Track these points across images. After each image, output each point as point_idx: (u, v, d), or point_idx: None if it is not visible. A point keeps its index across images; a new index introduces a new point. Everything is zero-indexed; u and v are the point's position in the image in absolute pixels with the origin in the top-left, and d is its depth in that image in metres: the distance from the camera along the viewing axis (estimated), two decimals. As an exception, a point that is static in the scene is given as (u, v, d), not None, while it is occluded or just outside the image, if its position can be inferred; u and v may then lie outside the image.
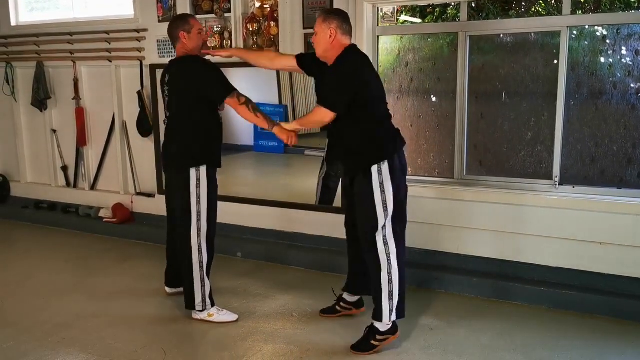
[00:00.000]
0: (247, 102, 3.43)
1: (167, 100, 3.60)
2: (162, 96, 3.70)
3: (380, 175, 3.12)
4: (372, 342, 3.20)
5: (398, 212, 3.18)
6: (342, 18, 3.19)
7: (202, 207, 3.50)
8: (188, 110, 3.49)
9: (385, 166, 3.12)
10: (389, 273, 3.16)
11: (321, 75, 3.33)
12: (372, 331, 3.21)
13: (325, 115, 3.15)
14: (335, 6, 4.22)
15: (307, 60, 3.45)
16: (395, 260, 3.16)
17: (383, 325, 3.19)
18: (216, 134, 3.61)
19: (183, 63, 3.52)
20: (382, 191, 3.12)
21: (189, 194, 3.47)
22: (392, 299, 3.16)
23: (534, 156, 3.99)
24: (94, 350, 3.28)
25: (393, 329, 3.22)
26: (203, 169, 3.48)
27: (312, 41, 3.29)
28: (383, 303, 3.16)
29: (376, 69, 4.29)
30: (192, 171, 3.46)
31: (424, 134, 4.34)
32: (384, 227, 3.14)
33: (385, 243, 3.15)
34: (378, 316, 3.19)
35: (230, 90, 3.44)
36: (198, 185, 3.47)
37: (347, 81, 3.13)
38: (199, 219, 3.50)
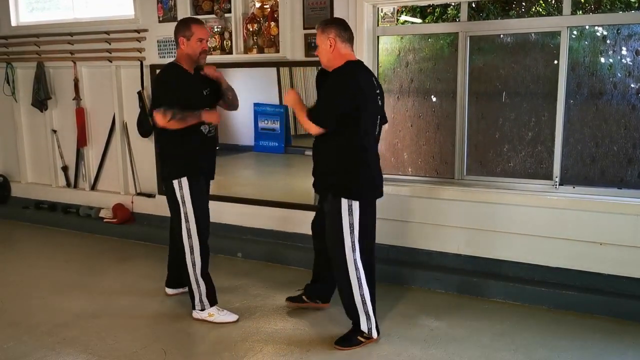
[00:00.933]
0: (173, 116, 3.37)
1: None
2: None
3: (350, 214, 3.17)
4: (358, 339, 3.30)
5: (364, 239, 3.25)
6: (340, 26, 3.19)
7: (187, 209, 3.54)
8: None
9: (356, 205, 3.17)
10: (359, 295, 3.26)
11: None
12: (357, 330, 3.31)
13: (313, 129, 3.14)
14: (336, 7, 4.23)
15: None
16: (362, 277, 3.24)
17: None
18: (195, 145, 3.55)
19: (161, 69, 3.59)
20: (351, 223, 3.18)
21: (175, 198, 3.55)
22: (368, 319, 3.29)
23: (534, 156, 3.99)
24: (94, 351, 3.28)
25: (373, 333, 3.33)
26: (184, 178, 3.53)
27: (316, 54, 3.30)
28: (362, 322, 3.28)
29: (377, 69, 4.31)
30: (175, 181, 3.53)
31: (424, 134, 4.34)
32: (353, 248, 3.21)
33: (355, 264, 3.22)
34: (356, 326, 3.30)
35: (156, 106, 3.42)
36: (181, 188, 3.53)
37: (337, 98, 3.10)
38: (187, 220, 3.55)
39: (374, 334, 3.30)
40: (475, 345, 3.29)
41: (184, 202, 3.53)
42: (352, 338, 3.29)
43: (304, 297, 3.80)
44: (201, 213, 3.61)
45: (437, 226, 4.16)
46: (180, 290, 4.01)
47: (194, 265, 3.58)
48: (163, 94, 3.48)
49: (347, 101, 3.07)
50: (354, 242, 3.19)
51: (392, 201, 4.22)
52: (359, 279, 3.22)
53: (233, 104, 3.81)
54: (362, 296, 3.24)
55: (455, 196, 4.06)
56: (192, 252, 3.57)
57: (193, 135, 3.51)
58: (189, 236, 3.56)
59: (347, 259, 3.20)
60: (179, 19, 4.77)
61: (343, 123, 3.10)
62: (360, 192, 3.20)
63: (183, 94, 3.46)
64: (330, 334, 3.43)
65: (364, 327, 3.28)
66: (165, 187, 3.63)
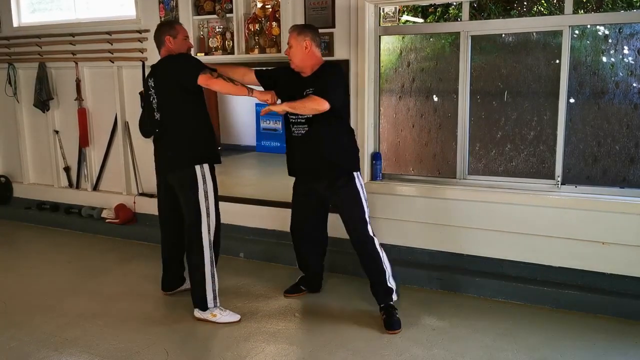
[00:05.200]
0: (220, 75, 3.48)
1: (157, 104, 3.64)
2: (147, 102, 3.75)
3: (362, 186, 3.61)
4: (398, 316, 3.54)
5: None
6: (314, 32, 3.57)
7: (210, 202, 3.56)
8: (179, 108, 3.54)
9: (360, 176, 3.62)
10: (385, 259, 3.60)
11: (283, 84, 3.63)
12: (392, 307, 3.56)
13: (322, 104, 3.36)
14: (337, 7, 4.24)
15: (264, 75, 3.73)
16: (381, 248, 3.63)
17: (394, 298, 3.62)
18: (210, 130, 3.69)
19: (163, 60, 3.62)
20: (363, 193, 3.60)
21: (197, 191, 3.52)
22: (393, 277, 3.62)
23: (536, 156, 3.99)
24: (96, 351, 3.29)
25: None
26: (206, 166, 3.56)
27: (286, 54, 3.59)
28: (390, 283, 3.58)
29: (378, 69, 4.32)
30: (197, 168, 3.52)
31: (426, 134, 4.34)
32: (370, 222, 3.60)
33: (374, 235, 3.60)
34: (389, 295, 3.58)
35: (200, 68, 3.46)
36: (204, 182, 3.54)
37: (341, 82, 3.59)
38: (208, 215, 3.56)
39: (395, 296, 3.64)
40: (477, 345, 3.29)
41: (207, 197, 3.53)
42: (394, 320, 3.51)
43: (301, 286, 3.99)
44: (218, 208, 3.67)
45: (438, 226, 4.15)
46: (177, 289, 4.03)
47: (211, 260, 3.58)
48: (195, 60, 3.55)
49: (344, 86, 3.60)
50: (369, 215, 3.60)
51: (393, 201, 4.23)
52: (380, 246, 3.60)
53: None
54: (387, 264, 3.60)
55: (457, 196, 4.06)
56: (210, 248, 3.58)
57: (206, 122, 3.63)
58: (209, 231, 3.57)
59: (370, 232, 3.58)
60: (180, 19, 4.81)
61: (342, 107, 3.55)
62: (357, 164, 3.67)
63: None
64: (333, 334, 3.44)
65: (391, 283, 3.60)
66: (184, 178, 3.55)
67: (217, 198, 3.66)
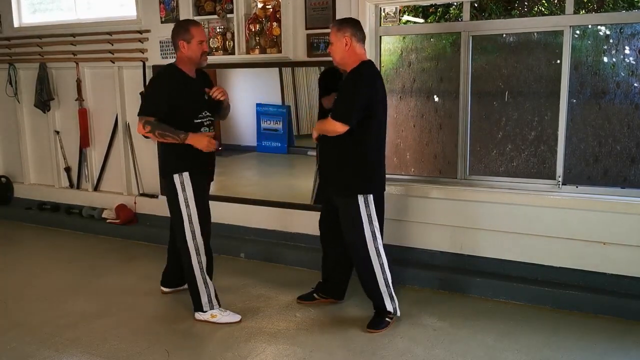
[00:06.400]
0: (153, 129, 3.39)
1: None
2: None
3: (367, 207, 3.39)
4: (388, 320, 3.52)
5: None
6: (356, 26, 3.35)
7: (191, 209, 3.54)
8: (163, 118, 3.46)
9: (371, 198, 3.39)
10: (383, 281, 3.48)
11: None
12: (386, 312, 3.51)
13: (337, 127, 3.26)
14: (338, 7, 4.24)
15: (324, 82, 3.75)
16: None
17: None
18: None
19: (157, 71, 3.62)
20: (370, 221, 3.40)
21: (177, 198, 3.53)
22: (390, 299, 3.51)
23: (537, 156, 3.99)
24: (97, 352, 3.29)
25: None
26: (186, 174, 3.52)
27: (328, 51, 3.44)
28: (388, 307, 3.50)
29: (380, 74, 4.30)
30: (176, 177, 3.51)
31: (427, 134, 4.34)
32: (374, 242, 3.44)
33: (379, 256, 3.46)
34: (387, 312, 3.50)
35: (141, 112, 3.43)
36: (183, 189, 3.52)
37: (357, 96, 3.25)
38: (190, 222, 3.54)
39: (398, 312, 3.54)
40: (478, 345, 3.29)
41: (187, 205, 3.52)
42: (381, 321, 3.49)
43: (315, 294, 3.86)
44: (205, 213, 3.61)
45: (439, 226, 4.15)
46: (177, 288, 4.04)
47: (200, 266, 3.58)
48: (150, 95, 3.51)
49: (365, 99, 3.26)
50: (374, 231, 3.42)
51: (395, 201, 4.22)
52: (382, 265, 3.44)
53: (224, 116, 3.88)
54: (386, 280, 3.46)
55: (457, 196, 4.06)
56: (198, 253, 3.57)
57: (190, 129, 3.51)
58: (194, 237, 3.56)
59: (369, 253, 3.42)
60: (181, 19, 4.80)
61: (360, 122, 3.28)
62: (374, 187, 3.46)
63: (178, 95, 3.44)
64: (333, 335, 3.43)
65: (389, 308, 3.49)
66: (167, 187, 3.60)
67: (204, 205, 3.61)
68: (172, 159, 3.55)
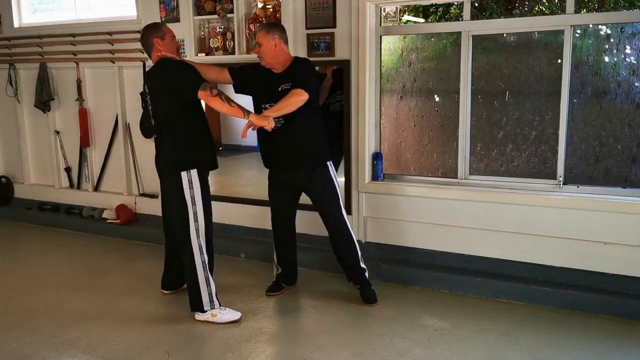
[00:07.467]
0: (220, 93, 3.47)
1: (152, 109, 3.67)
2: (146, 104, 3.79)
3: (332, 169, 3.83)
4: (372, 288, 3.87)
5: None
6: (282, 30, 3.74)
7: (197, 208, 3.55)
8: (172, 114, 3.54)
9: (332, 165, 3.82)
10: (356, 243, 3.88)
11: (257, 81, 3.73)
12: (367, 282, 3.87)
13: (304, 95, 3.50)
14: (338, 7, 4.23)
15: (238, 73, 3.81)
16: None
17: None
18: (203, 135, 3.66)
19: (159, 66, 3.59)
20: (336, 180, 3.85)
21: (184, 196, 3.53)
22: (362, 259, 3.89)
23: (538, 156, 3.98)
24: (97, 352, 3.28)
25: None
26: (194, 172, 3.54)
27: (255, 52, 3.72)
28: (362, 265, 3.87)
29: (379, 69, 4.31)
30: (184, 174, 3.53)
31: (427, 134, 4.33)
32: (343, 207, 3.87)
33: (348, 220, 3.88)
34: (363, 274, 3.88)
35: (200, 82, 3.46)
36: (191, 187, 3.54)
37: (314, 73, 3.78)
38: (196, 220, 3.56)
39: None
40: (479, 345, 3.28)
41: (194, 202, 3.53)
42: (372, 295, 3.84)
43: (281, 284, 4.08)
44: (210, 211, 3.64)
45: (440, 226, 4.15)
46: (177, 290, 4.03)
47: (204, 264, 3.58)
48: (191, 70, 3.55)
49: (317, 77, 3.80)
50: (342, 201, 3.88)
51: (394, 201, 4.22)
52: (352, 231, 3.89)
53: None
54: (358, 248, 3.89)
55: (458, 196, 4.05)
56: (201, 252, 3.58)
57: (200, 127, 3.61)
58: (198, 236, 3.57)
59: (344, 216, 3.83)
60: (181, 19, 4.81)
61: (316, 98, 3.71)
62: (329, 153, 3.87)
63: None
64: (333, 335, 3.43)
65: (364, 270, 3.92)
66: (172, 184, 3.58)
67: (208, 202, 3.63)
68: (179, 156, 3.56)
